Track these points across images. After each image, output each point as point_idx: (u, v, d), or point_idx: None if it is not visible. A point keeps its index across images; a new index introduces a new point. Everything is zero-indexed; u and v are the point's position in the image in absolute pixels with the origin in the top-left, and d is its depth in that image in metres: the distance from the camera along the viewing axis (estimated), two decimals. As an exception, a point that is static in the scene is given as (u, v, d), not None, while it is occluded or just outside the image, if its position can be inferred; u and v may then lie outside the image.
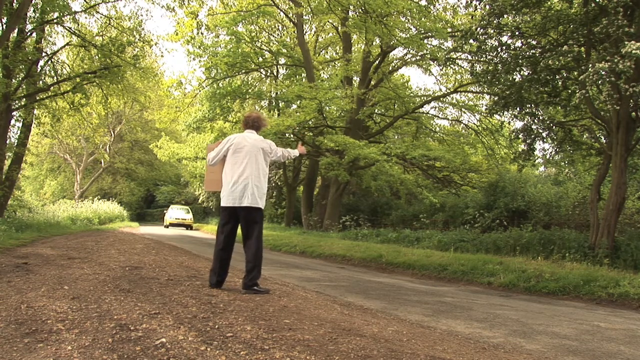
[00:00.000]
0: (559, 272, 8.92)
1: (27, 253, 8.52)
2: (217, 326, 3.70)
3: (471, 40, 12.64)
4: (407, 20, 18.93)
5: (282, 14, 24.75)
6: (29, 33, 16.31)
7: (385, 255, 12.32)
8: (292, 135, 22.59)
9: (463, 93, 24.91)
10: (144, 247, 11.64)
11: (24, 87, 16.39)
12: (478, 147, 26.31)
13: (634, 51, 8.81)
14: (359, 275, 9.95)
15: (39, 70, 17.20)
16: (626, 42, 9.15)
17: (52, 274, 5.94)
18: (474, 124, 25.43)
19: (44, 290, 4.83)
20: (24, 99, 16.52)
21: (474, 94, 24.37)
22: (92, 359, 2.77)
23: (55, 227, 17.28)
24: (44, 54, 17.34)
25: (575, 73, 11.54)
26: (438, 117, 26.90)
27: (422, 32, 19.64)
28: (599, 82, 10.36)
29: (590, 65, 9.69)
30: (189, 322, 3.79)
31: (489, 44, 12.75)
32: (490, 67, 13.27)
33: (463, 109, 25.19)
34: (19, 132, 18.22)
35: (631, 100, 10.31)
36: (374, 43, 22.12)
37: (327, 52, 30.26)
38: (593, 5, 10.92)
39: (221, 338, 3.36)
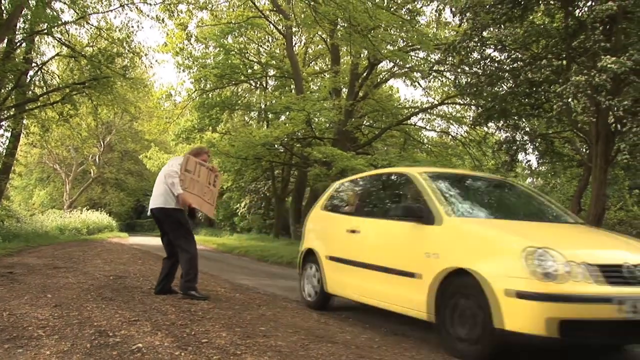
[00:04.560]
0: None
1: (13, 262, 8.58)
2: (193, 333, 3.82)
3: (454, 54, 12.88)
4: (392, 34, 19.18)
5: (271, 26, 24.96)
6: (19, 44, 16.38)
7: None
8: (280, 147, 22.71)
9: (450, 105, 25.17)
10: (130, 257, 11.70)
11: (13, 97, 16.42)
12: (465, 158, 26.53)
13: (609, 65, 9.07)
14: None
15: (28, 80, 17.23)
16: (602, 57, 9.42)
17: (37, 283, 6.03)
18: (461, 135, 25.69)
19: (27, 298, 4.93)
20: (13, 109, 16.55)
21: (461, 106, 24.64)
22: (69, 363, 2.88)
23: (43, 237, 17.26)
24: (33, 65, 17.41)
25: (557, 86, 11.79)
26: (426, 128, 27.14)
27: (410, 44, 19.90)
28: (578, 95, 10.59)
29: (570, 78, 9.94)
30: (166, 328, 3.91)
31: (472, 57, 13.00)
32: (473, 80, 13.50)
33: (450, 121, 25.46)
34: (7, 141, 18.26)
35: (610, 113, 10.55)
36: (361, 55, 22.36)
37: (316, 64, 30.47)
38: (572, 21, 11.20)
39: (196, 344, 3.49)
